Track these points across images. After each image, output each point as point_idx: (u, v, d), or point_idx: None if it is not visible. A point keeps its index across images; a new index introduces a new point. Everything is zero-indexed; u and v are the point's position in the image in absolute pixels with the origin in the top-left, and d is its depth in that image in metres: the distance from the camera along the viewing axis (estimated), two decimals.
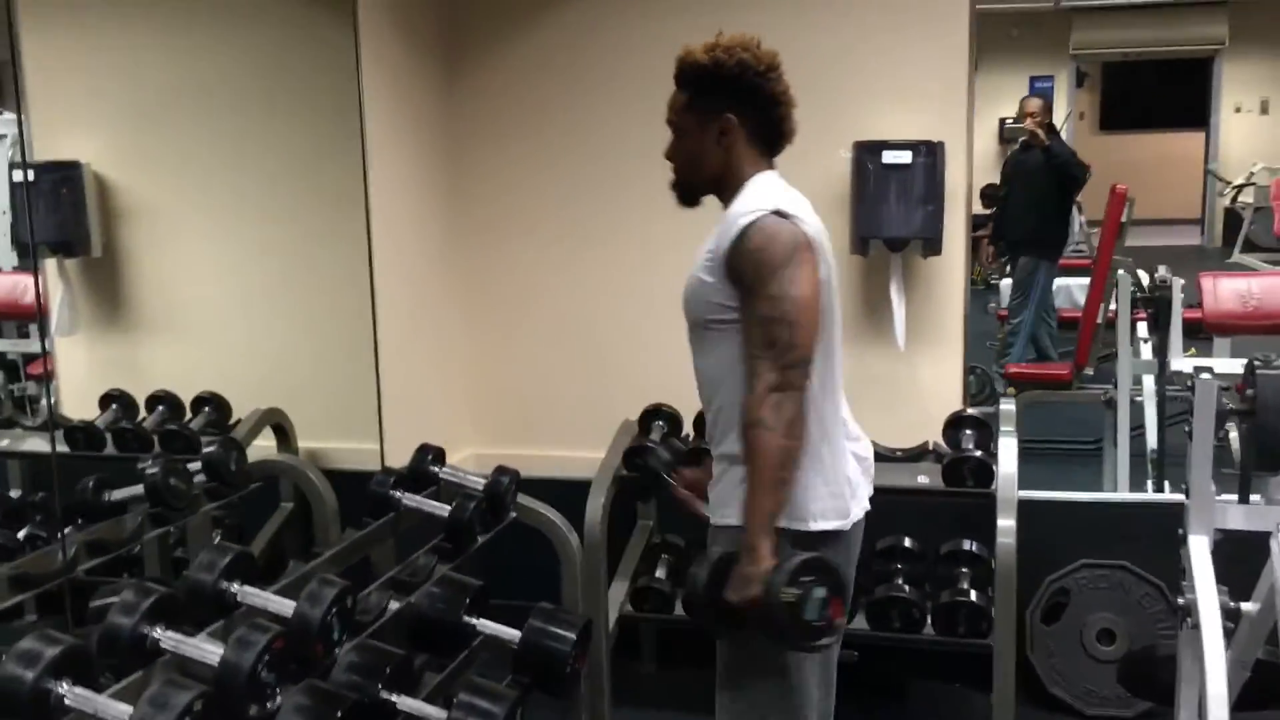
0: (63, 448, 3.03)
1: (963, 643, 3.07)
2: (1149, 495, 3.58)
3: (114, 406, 3.26)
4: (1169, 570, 3.25)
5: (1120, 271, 4.30)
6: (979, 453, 3.02)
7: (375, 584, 2.36)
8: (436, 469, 2.86)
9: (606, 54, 3.62)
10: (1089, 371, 5.16)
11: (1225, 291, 3.91)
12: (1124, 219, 6.09)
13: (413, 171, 3.58)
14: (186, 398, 3.20)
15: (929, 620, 3.10)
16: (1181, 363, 4.02)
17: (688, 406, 3.32)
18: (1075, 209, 7.57)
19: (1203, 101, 12.84)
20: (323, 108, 3.37)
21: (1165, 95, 13.95)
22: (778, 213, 2.02)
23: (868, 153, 3.22)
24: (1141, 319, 4.52)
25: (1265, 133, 12.35)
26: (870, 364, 3.42)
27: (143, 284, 3.37)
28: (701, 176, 2.18)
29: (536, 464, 3.16)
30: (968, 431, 3.14)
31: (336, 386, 3.47)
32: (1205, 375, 2.42)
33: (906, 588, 3.12)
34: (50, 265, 3.31)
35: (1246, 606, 2.40)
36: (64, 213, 3.24)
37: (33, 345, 3.41)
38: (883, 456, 3.21)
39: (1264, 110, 12.56)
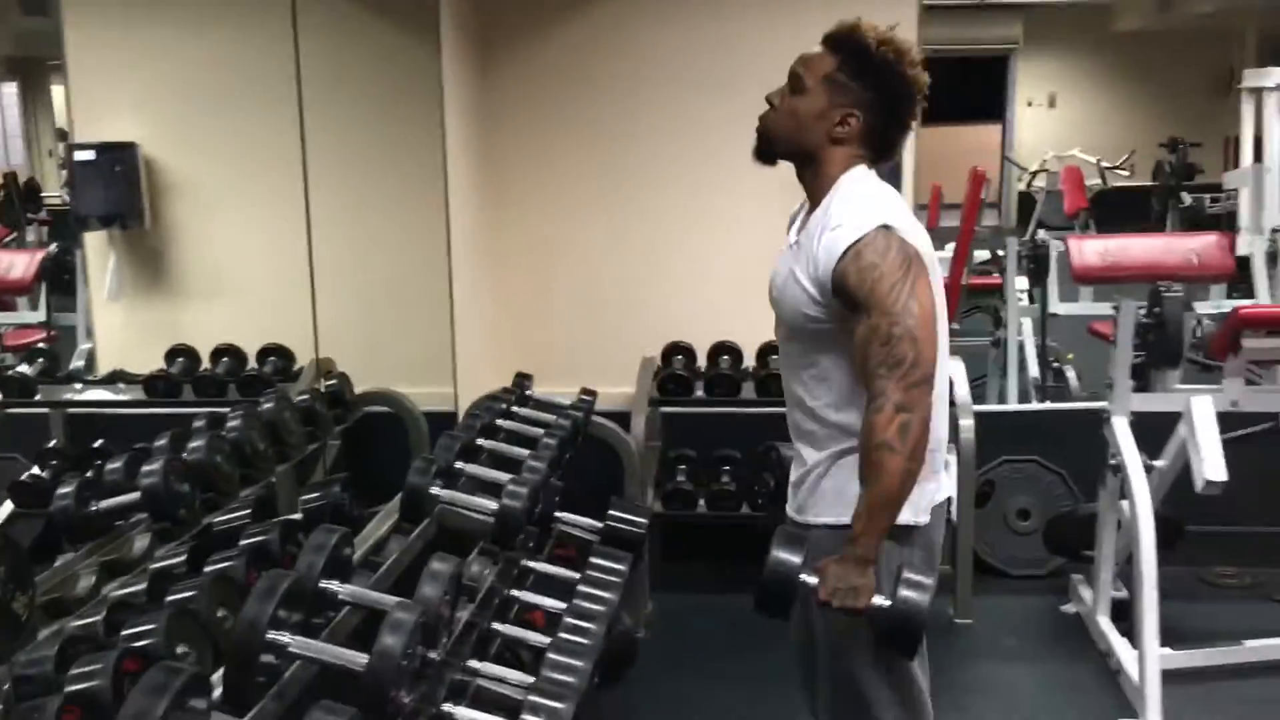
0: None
1: None
2: (1051, 405, 4.56)
3: (180, 359, 3.73)
4: (1067, 463, 4.23)
5: (1010, 238, 5.33)
6: None
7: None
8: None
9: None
10: (955, 326, 6.18)
11: (1089, 250, 4.92)
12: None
13: (465, 140, 3.98)
14: None
15: None
16: (1060, 308, 5.07)
17: (699, 343, 4.10)
18: None
19: (999, 96, 14.34)
20: (394, 89, 3.78)
21: (965, 90, 15.44)
22: (885, 228, 1.95)
23: None
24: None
25: (1053, 124, 13.95)
26: None
27: (188, 252, 3.79)
28: (796, 143, 2.08)
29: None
30: None
31: (385, 339, 3.95)
32: (1127, 301, 3.35)
33: None
34: (99, 236, 3.76)
35: (1158, 463, 3.36)
36: (120, 188, 3.65)
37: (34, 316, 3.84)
38: None
39: (1052, 104, 14.20)
